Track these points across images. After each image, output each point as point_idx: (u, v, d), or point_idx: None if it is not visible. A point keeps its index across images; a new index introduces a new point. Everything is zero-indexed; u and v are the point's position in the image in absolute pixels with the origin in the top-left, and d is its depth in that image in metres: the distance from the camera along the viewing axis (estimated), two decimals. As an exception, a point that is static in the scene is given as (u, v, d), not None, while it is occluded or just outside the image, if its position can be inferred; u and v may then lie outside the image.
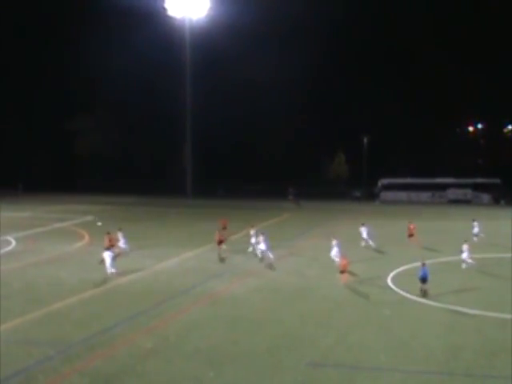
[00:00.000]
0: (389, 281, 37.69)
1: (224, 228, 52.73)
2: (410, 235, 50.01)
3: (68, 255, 46.01)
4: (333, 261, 41.61)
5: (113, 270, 38.09)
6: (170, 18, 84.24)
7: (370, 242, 49.69)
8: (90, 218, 65.62)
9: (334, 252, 42.28)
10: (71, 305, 32.64)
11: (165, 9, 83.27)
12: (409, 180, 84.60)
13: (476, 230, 51.90)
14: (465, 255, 41.28)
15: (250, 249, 45.86)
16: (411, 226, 50.43)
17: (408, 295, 34.10)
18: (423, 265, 34.41)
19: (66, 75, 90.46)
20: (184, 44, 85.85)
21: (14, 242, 51.56)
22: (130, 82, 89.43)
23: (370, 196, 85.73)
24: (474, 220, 53.37)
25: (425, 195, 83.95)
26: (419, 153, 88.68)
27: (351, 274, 39.20)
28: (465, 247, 41.53)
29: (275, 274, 39.93)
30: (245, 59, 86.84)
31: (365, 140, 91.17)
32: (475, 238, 50.68)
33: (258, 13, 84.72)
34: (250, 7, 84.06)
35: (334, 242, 42.90)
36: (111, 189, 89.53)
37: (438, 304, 32.20)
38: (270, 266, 39.39)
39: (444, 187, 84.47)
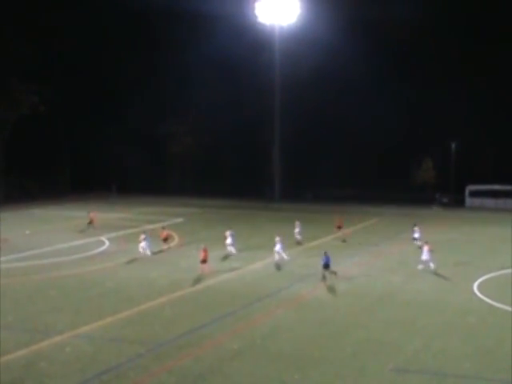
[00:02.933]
0: (475, 288, 37.27)
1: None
2: None
3: (158, 256, 47.03)
4: (277, 255, 44.30)
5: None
6: (260, 24, 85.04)
7: (419, 243, 49.30)
8: (180, 220, 66.76)
9: (278, 248, 44.48)
10: (161, 305, 33.50)
11: (255, 15, 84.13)
12: (496, 187, 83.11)
13: (416, 235, 51.20)
14: (425, 257, 41.51)
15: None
16: None
17: (494, 303, 33.69)
18: (325, 253, 39.08)
19: (159, 80, 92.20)
20: (273, 50, 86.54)
21: (107, 243, 53.06)
22: (219, 87, 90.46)
23: (457, 202, 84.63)
24: (415, 225, 52.68)
25: None
26: (509, 159, 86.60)
27: (441, 277, 39.03)
28: (425, 248, 41.75)
29: (361, 279, 39.96)
30: (334, 65, 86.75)
31: (453, 146, 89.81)
32: (416, 242, 50.32)
33: (345, 19, 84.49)
34: (339, 13, 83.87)
35: (278, 239, 44.76)
36: (201, 192, 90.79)
37: (526, 313, 31.71)
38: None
39: None
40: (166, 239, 50.82)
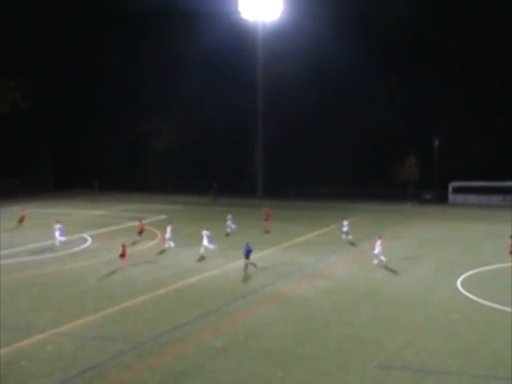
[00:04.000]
0: (458, 284, 37.39)
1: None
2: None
3: (141, 254, 46.88)
4: (209, 249, 45.61)
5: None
6: (243, 20, 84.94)
7: (350, 237, 51.98)
8: (163, 217, 66.62)
9: (205, 241, 45.75)
10: (143, 302, 33.40)
11: (238, 11, 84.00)
12: (479, 183, 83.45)
13: (345, 228, 52.42)
14: (377, 251, 42.26)
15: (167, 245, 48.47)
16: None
17: (478, 299, 33.80)
18: (247, 243, 40.78)
19: (143, 77, 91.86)
20: (256, 46, 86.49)
21: (89, 240, 52.85)
22: (203, 84, 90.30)
23: (440, 199, 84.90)
24: (345, 218, 53.74)
25: (495, 198, 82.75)
26: (491, 155, 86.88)
27: (425, 274, 39.20)
28: (377, 242, 42.45)
29: (343, 276, 40.04)
30: (318, 62, 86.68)
31: (436, 142, 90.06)
32: (343, 236, 52.02)
33: (330, 16, 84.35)
34: (323, 9, 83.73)
35: (204, 233, 46.20)
36: (185, 189, 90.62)
37: (508, 309, 31.81)
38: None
39: None
40: (140, 232, 51.44)
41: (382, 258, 42.26)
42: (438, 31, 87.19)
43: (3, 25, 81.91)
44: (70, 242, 51.11)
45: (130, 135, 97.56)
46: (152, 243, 51.21)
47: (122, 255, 41.30)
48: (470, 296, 34.57)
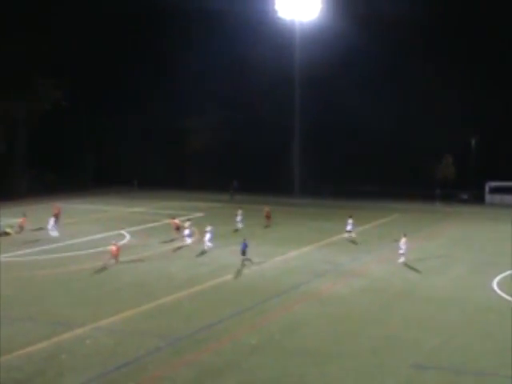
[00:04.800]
0: (494, 285, 37.17)
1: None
2: None
3: (178, 251, 47.25)
4: (207, 246, 46.62)
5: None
6: (280, 19, 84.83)
7: (353, 235, 52.68)
8: (200, 214, 66.96)
9: (207, 237, 46.79)
10: (180, 299, 33.74)
11: (275, 10, 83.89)
12: None
13: (349, 227, 52.65)
14: (403, 250, 43.12)
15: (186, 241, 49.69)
16: None
17: (514, 300, 33.65)
18: (244, 240, 42.86)
19: (180, 76, 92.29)
20: (293, 45, 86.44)
21: (128, 236, 53.41)
22: (239, 83, 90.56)
23: (477, 199, 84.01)
24: (350, 216, 53.51)
25: None
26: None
27: (461, 274, 39.05)
28: (402, 240, 43.23)
29: (380, 275, 40.00)
30: (355, 61, 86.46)
31: (473, 142, 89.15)
32: (346, 235, 52.48)
33: (369, 15, 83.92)
34: (361, 9, 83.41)
35: (208, 228, 47.13)
36: (222, 187, 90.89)
37: (546, 311, 31.59)
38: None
39: None
40: (177, 229, 52.04)
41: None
42: (474, 29, 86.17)
43: (44, 24, 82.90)
44: (108, 239, 51.70)
45: (169, 133, 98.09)
46: (189, 241, 51.56)
47: (115, 256, 41.84)
48: (507, 297, 34.38)
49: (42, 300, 33.27)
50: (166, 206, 73.93)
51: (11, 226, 54.11)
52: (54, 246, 48.82)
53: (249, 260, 41.99)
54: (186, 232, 49.83)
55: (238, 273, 39.97)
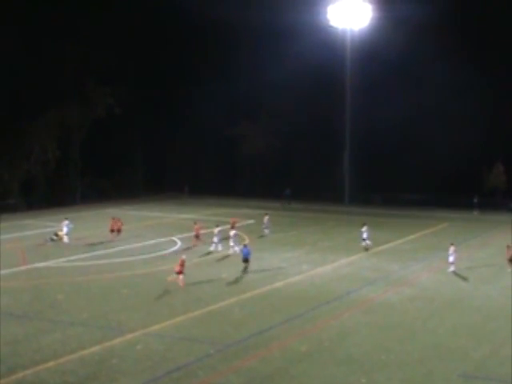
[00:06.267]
0: (548, 295, 36.71)
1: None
2: None
3: (227, 257, 47.57)
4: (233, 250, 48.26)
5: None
6: (332, 28, 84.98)
7: (368, 242, 51.81)
8: (251, 221, 67.21)
9: (232, 242, 48.85)
10: (230, 305, 34.02)
11: (327, 19, 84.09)
12: None
13: (365, 235, 51.82)
14: (451, 259, 42.95)
15: (213, 247, 50.19)
16: None
17: None
18: (245, 246, 43.27)
19: (231, 83, 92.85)
20: (345, 54, 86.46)
21: (179, 243, 53.93)
22: (291, 90, 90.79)
23: None
24: (364, 224, 52.72)
25: None
26: None
27: (509, 287, 38.63)
28: (451, 249, 43.25)
29: (428, 284, 39.80)
30: (407, 68, 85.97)
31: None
32: (363, 243, 51.52)
33: (419, 23, 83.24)
34: (412, 17, 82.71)
35: (217, 229, 49.87)
36: (273, 194, 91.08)
37: None
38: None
39: None
40: (197, 236, 52.56)
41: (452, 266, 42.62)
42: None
43: (95, 32, 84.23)
44: (159, 245, 52.38)
45: (219, 140, 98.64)
46: (238, 248, 51.88)
47: (180, 272, 38.11)
48: (559, 307, 33.93)
49: (93, 305, 33.88)
50: (216, 213, 74.37)
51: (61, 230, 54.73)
52: (106, 251, 49.60)
53: (247, 269, 41.96)
54: (215, 239, 50.44)
55: (289, 280, 40.13)
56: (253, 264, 44.75)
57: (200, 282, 39.26)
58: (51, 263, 45.27)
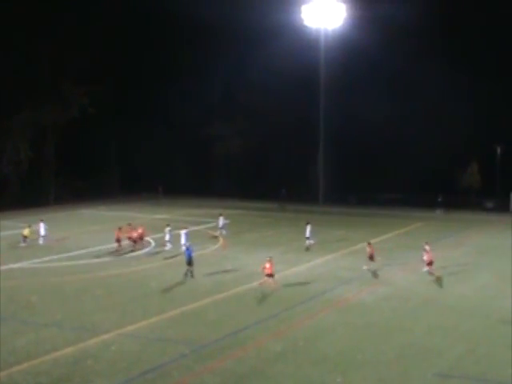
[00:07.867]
0: (520, 294, 36.93)
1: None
2: None
3: (202, 258, 47.40)
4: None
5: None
6: (306, 27, 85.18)
7: (312, 242, 52.07)
8: (226, 221, 67.02)
9: (183, 240, 47.41)
10: (205, 305, 33.89)
11: (301, 19, 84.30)
12: None
13: (308, 233, 52.17)
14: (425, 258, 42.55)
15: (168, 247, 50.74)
16: None
17: (541, 310, 33.37)
18: (187, 248, 41.37)
19: (206, 83, 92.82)
20: (319, 53, 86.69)
21: (153, 243, 53.72)
22: (267, 92, 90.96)
23: (503, 208, 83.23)
24: (307, 223, 52.97)
25: None
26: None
27: (486, 282, 38.84)
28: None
29: (403, 283, 39.89)
30: (381, 67, 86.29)
31: (498, 149, 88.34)
32: (306, 242, 51.88)
33: (394, 23, 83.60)
34: (385, 16, 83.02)
35: (184, 231, 48.35)
36: (247, 194, 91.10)
37: None
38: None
39: None
40: (118, 241, 50.74)
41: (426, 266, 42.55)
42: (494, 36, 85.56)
43: (71, 33, 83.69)
44: (134, 245, 52.12)
45: (194, 140, 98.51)
46: (214, 247, 51.77)
47: (270, 275, 37.59)
48: (533, 306, 34.13)
49: (67, 306, 33.60)
50: (190, 213, 74.21)
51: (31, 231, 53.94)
52: (80, 252, 49.29)
53: (191, 272, 40.10)
54: (167, 237, 50.92)
55: (263, 280, 40.07)
56: (227, 264, 44.75)
57: (174, 283, 39.09)
58: (24, 264, 44.93)
